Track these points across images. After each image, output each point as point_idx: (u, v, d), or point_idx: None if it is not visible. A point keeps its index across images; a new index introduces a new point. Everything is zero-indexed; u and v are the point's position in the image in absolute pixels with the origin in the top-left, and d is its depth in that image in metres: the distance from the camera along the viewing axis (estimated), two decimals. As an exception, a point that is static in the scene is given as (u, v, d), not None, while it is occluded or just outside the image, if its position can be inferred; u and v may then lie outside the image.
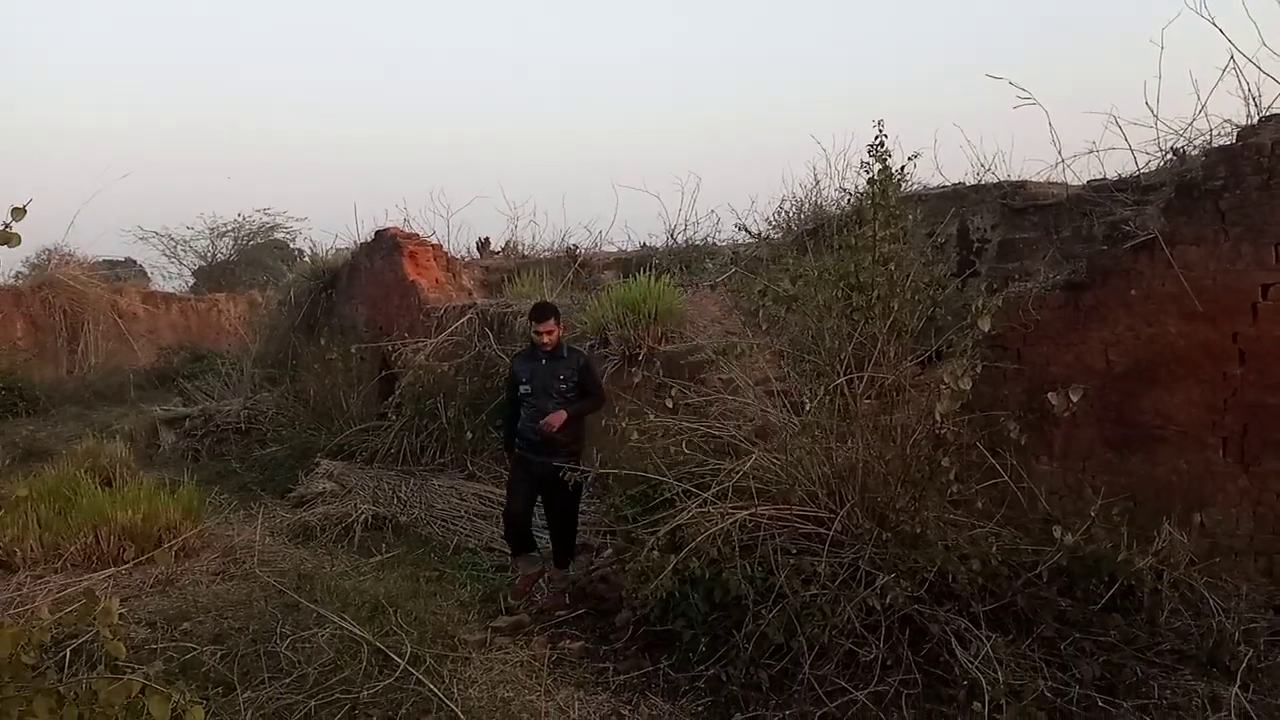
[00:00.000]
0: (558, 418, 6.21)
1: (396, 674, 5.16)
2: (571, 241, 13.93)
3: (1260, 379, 5.50)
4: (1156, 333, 5.79)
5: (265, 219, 32.24)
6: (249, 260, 32.41)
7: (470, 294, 12.66)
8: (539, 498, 6.59)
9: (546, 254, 13.79)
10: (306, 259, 17.91)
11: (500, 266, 13.75)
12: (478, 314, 10.99)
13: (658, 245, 12.93)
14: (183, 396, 15.90)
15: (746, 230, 11.19)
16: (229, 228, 32.04)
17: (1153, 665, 4.62)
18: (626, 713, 4.80)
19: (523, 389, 6.31)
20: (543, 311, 6.36)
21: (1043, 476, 5.98)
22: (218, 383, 15.67)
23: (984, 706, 4.22)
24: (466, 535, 8.11)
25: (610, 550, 6.65)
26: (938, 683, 4.53)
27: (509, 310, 10.88)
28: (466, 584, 6.98)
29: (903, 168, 6.28)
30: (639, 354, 8.55)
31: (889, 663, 4.62)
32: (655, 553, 5.44)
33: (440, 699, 4.86)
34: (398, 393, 11.16)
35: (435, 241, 13.28)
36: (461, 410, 10.29)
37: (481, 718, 4.73)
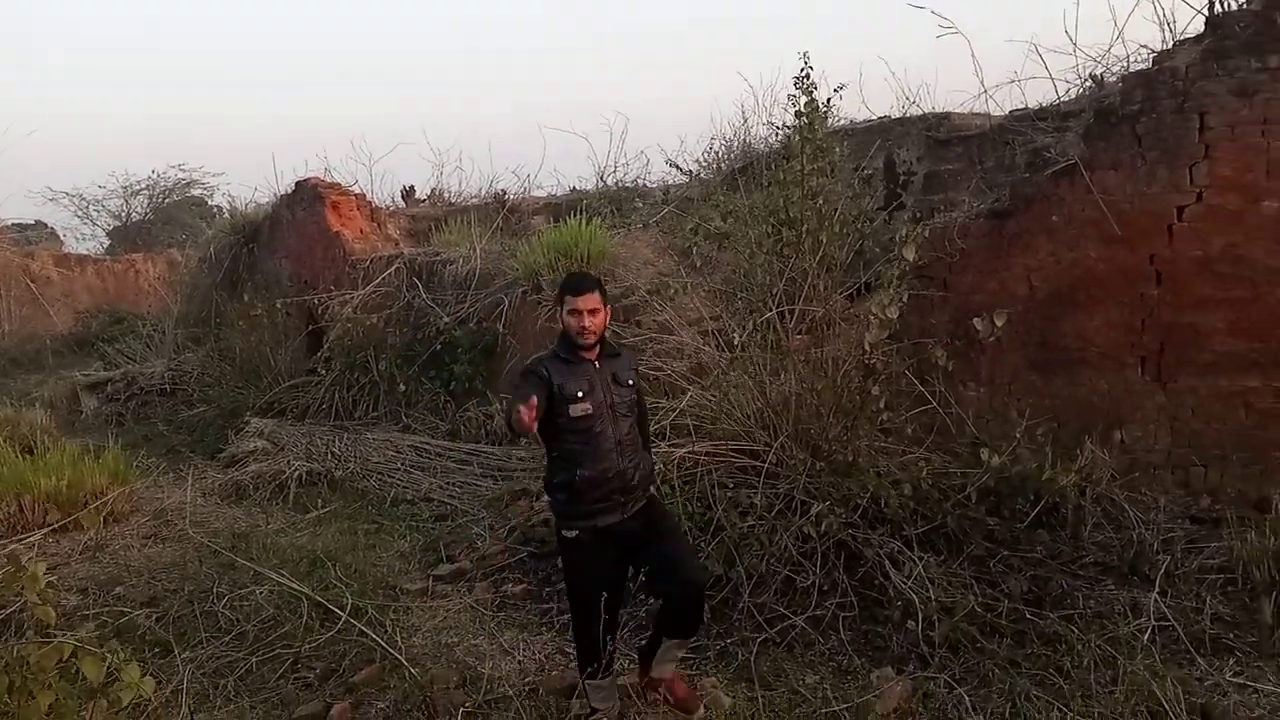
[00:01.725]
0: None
1: (338, 626, 5.12)
2: (499, 187, 13.73)
3: (1176, 299, 5.67)
4: (1077, 257, 5.92)
5: (180, 175, 31.00)
6: (166, 218, 31.24)
7: (397, 244, 12.43)
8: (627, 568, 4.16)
9: (474, 200, 13.55)
10: (226, 214, 17.38)
11: (426, 215, 13.49)
12: (405, 264, 10.81)
13: (588, 188, 12.80)
14: (103, 360, 15.43)
15: (677, 168, 11.13)
16: (143, 186, 30.75)
17: (1077, 577, 4.80)
18: (570, 650, 4.83)
19: (577, 409, 3.81)
20: (583, 281, 3.96)
21: (970, 401, 6.11)
22: (139, 345, 15.22)
23: (918, 625, 4.35)
24: (404, 487, 8.04)
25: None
26: (873, 604, 4.65)
27: (437, 259, 10.71)
28: (405, 535, 6.97)
29: (829, 100, 6.29)
30: (572, 298, 8.48)
31: (825, 588, 4.73)
32: (593, 493, 5.45)
33: (383, 648, 4.83)
34: (326, 347, 10.99)
35: (358, 191, 12.98)
36: (393, 362, 10.16)
37: (426, 664, 4.72)
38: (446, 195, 14.33)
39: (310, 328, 11.89)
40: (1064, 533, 5.11)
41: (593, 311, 3.84)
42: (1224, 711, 3.59)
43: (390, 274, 10.74)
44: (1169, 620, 4.30)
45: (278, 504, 7.99)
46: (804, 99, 6.14)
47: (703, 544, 4.93)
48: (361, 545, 6.68)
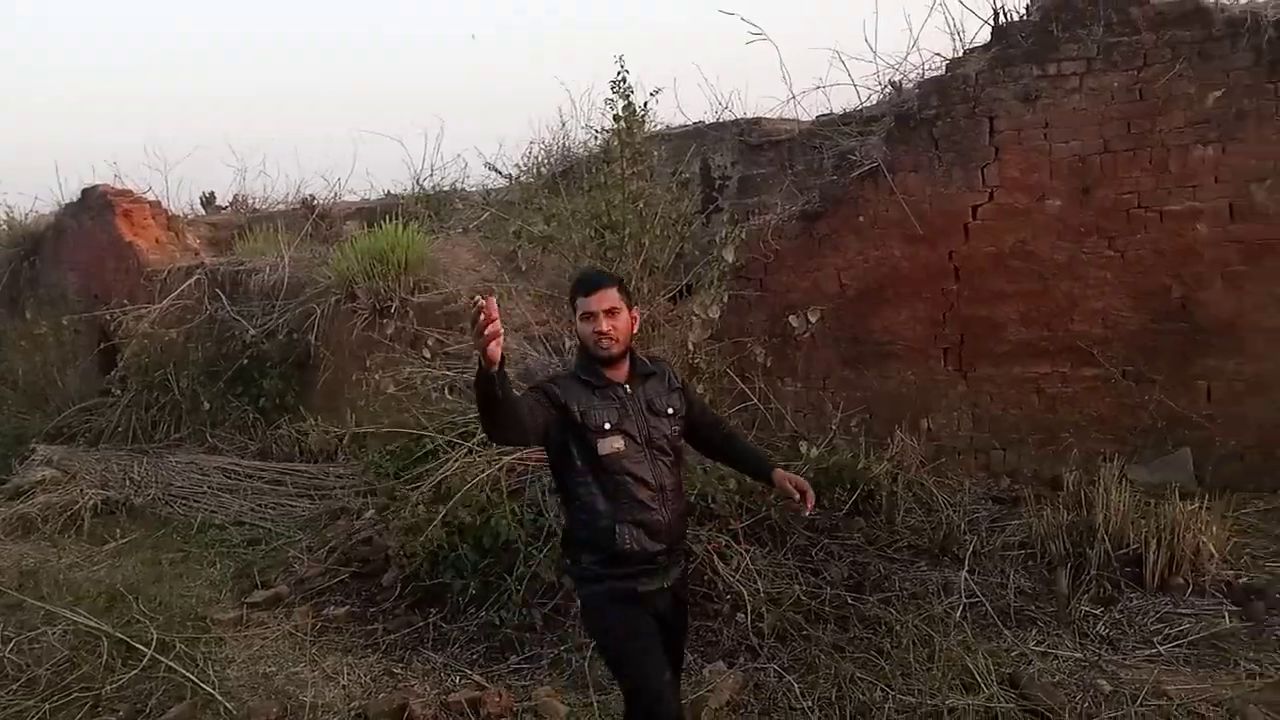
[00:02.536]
0: (808, 493, 3.17)
1: (143, 664, 4.78)
2: (308, 192, 13.17)
3: (973, 293, 6.04)
4: (883, 255, 6.21)
5: (-54, 184, 28.34)
6: (-70, 232, 28.44)
7: (197, 254, 11.77)
8: None
9: (281, 206, 12.97)
10: (3, 225, 15.97)
11: (229, 222, 12.84)
12: (206, 275, 10.22)
13: (403, 193, 12.45)
14: None
15: (497, 171, 10.98)
16: (-98, 196, 27.88)
17: (893, 561, 5.02)
18: (399, 670, 4.66)
19: (606, 445, 2.89)
20: (596, 277, 3.08)
21: (788, 396, 6.30)
22: (-97, 371, 13.82)
23: (747, 617, 4.43)
24: (211, 511, 7.60)
25: (371, 511, 6.42)
26: (703, 599, 4.69)
27: (242, 268, 10.18)
28: (215, 562, 6.58)
29: (646, 104, 6.34)
30: (390, 306, 8.24)
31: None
32: (420, 507, 5.29)
33: (194, 683, 4.53)
34: (121, 365, 10.36)
35: (152, 198, 12.22)
36: (196, 379, 9.62)
37: (243, 697, 4.45)
38: (250, 201, 13.65)
39: (102, 345, 11.17)
40: (879, 518, 5.34)
41: (611, 312, 2.93)
42: (1029, 679, 3.81)
43: (190, 285, 10.12)
44: (978, 596, 4.55)
45: (70, 536, 7.41)
46: (622, 103, 6.17)
47: (535, 550, 4.85)
48: (167, 576, 6.27)
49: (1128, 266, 5.74)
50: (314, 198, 12.86)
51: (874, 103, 7.32)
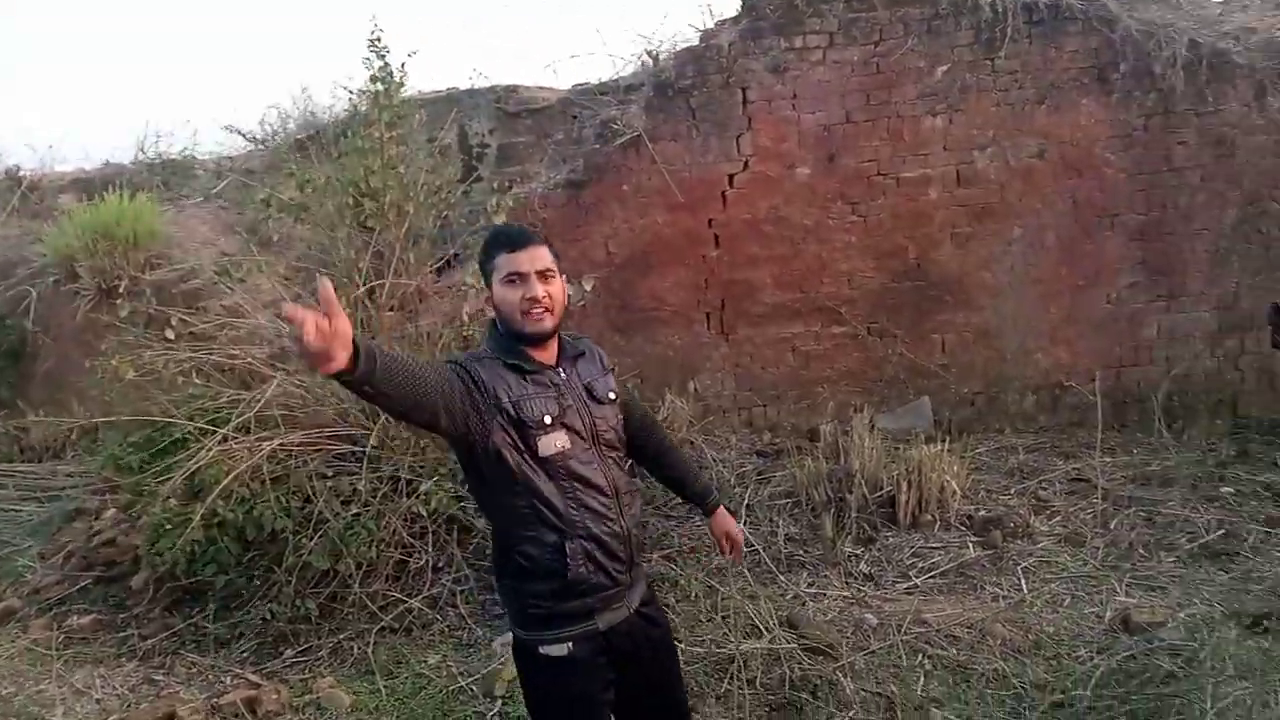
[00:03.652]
0: (739, 547, 2.94)
1: None
2: (11, 162, 11.71)
3: (731, 259, 6.29)
4: (647, 224, 6.33)
5: None
6: None
7: (-125, 231, 10.20)
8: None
9: (-22, 179, 11.47)
10: None
11: (-86, 195, 11.20)
12: (-110, 254, 8.89)
13: (125, 162, 11.33)
14: None
15: (241, 134, 10.22)
16: None
17: (670, 518, 5.19)
18: (161, 678, 4.32)
19: (549, 444, 2.28)
20: (522, 233, 2.40)
21: (562, 365, 6.31)
22: None
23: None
24: (-84, 522, 6.68)
25: (113, 510, 5.86)
26: (488, 574, 4.64)
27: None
28: (-72, 575, 5.77)
29: (403, 65, 6.08)
30: (119, 286, 7.51)
31: (440, 565, 4.67)
32: (172, 501, 4.88)
33: (-89, 715, 3.98)
34: None
35: None
36: (-115, 374, 8.34)
37: (-24, 723, 3.96)
38: (-60, 172, 11.96)
39: None
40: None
41: (545, 275, 2.32)
42: (806, 619, 4.06)
43: None
44: (753, 545, 4.79)
45: None
46: (379, 62, 5.88)
47: (305, 539, 4.61)
48: None
49: (869, 230, 6.17)
50: (19, 168, 11.45)
51: (629, 73, 7.41)
